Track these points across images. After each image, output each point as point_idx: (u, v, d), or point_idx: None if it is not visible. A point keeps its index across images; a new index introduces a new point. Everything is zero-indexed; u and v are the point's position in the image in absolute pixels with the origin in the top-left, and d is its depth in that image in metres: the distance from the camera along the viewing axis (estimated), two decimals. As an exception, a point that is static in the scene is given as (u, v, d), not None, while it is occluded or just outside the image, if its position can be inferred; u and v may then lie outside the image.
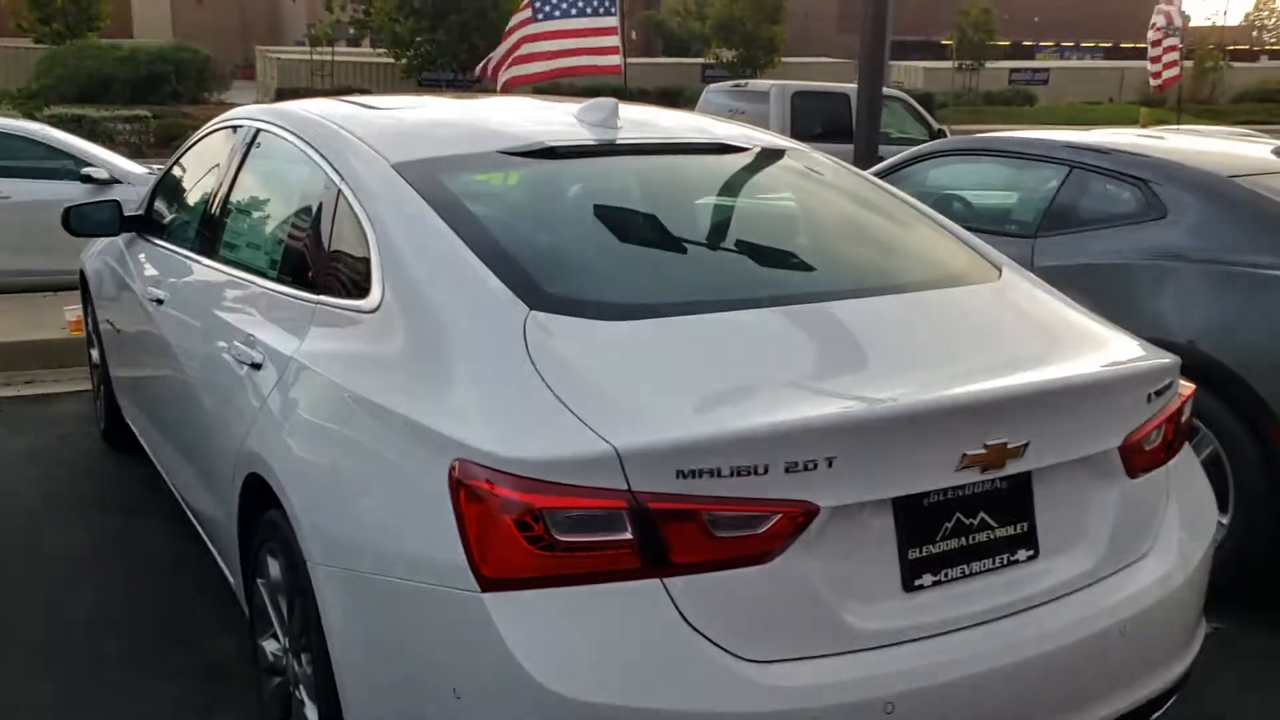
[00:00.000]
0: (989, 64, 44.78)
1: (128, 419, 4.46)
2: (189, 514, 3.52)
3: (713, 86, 15.15)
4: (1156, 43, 15.91)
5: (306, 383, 2.48)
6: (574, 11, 8.34)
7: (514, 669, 1.82)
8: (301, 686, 2.43)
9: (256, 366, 2.68)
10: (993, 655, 2.03)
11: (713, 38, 43.10)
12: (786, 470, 1.87)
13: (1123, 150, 4.32)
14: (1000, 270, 2.71)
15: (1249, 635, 3.36)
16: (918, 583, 2.05)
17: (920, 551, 2.05)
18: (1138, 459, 2.30)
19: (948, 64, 45.11)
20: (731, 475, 1.84)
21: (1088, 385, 2.20)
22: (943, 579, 2.07)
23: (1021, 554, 2.17)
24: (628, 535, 1.83)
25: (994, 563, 2.13)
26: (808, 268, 2.73)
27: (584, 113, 3.05)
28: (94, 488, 4.55)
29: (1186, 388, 2.45)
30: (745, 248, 2.78)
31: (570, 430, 1.87)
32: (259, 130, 3.37)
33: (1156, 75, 16.19)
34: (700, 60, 43.61)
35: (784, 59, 42.01)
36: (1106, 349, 2.39)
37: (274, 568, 2.53)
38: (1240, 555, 3.49)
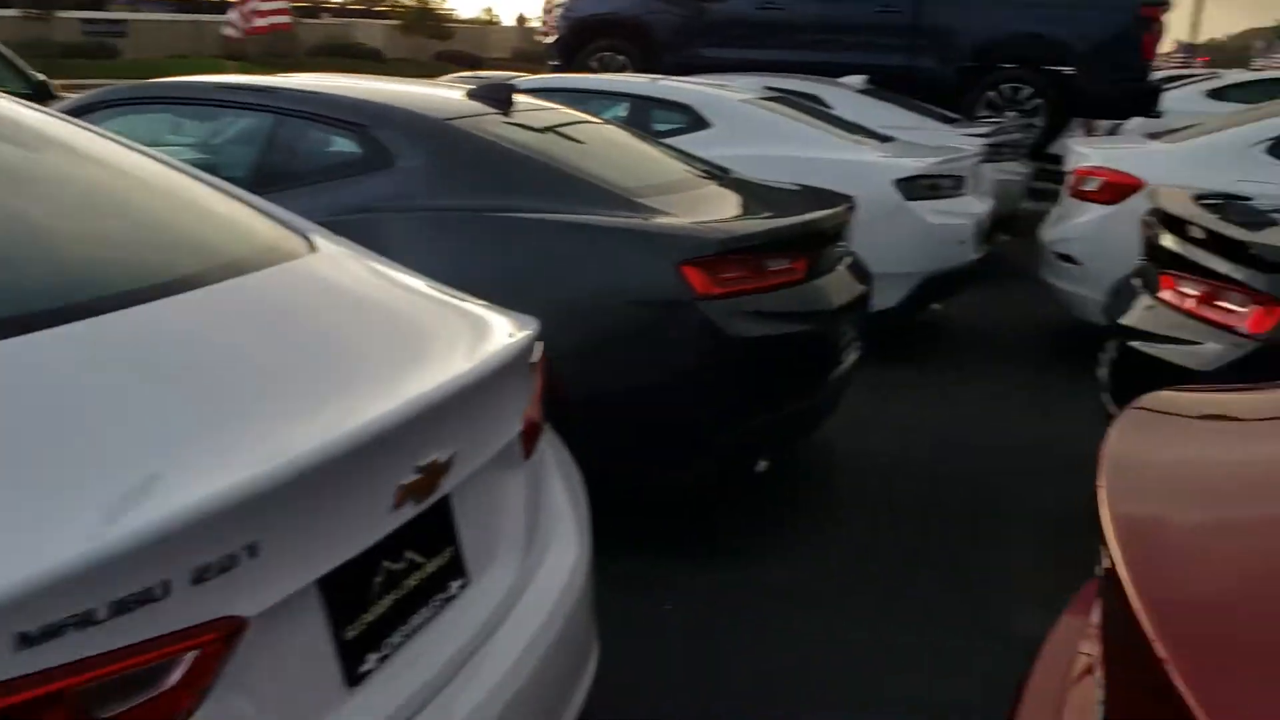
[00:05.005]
0: (59, 14, 41.36)
1: None
2: None
3: None
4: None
5: None
6: None
7: None
8: None
9: None
10: None
11: None
12: (195, 580, 1.21)
13: (334, 95, 3.98)
14: (310, 240, 2.19)
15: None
16: (361, 669, 1.51)
17: (355, 628, 1.52)
18: (529, 437, 2.01)
19: (10, 12, 40.51)
20: (113, 615, 1.13)
21: (498, 370, 1.82)
22: (387, 653, 1.57)
23: (453, 586, 1.75)
24: None
25: (430, 609, 1.68)
26: (58, 271, 1.76)
27: None
28: None
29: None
30: None
31: None
32: None
33: (252, 30, 16.60)
34: None
35: None
36: (478, 322, 2.04)
37: None
38: None
